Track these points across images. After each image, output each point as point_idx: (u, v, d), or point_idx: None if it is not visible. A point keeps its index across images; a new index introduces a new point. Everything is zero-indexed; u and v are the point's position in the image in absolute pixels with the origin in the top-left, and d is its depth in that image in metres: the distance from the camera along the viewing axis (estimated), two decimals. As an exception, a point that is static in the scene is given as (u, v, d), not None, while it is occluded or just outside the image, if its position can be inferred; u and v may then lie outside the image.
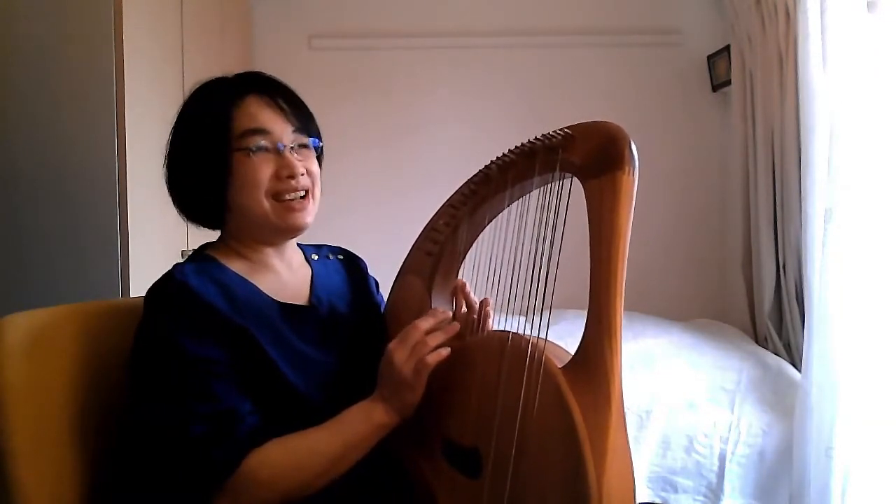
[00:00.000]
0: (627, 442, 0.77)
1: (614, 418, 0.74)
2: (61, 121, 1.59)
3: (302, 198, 0.96)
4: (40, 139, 1.60)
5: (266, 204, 0.94)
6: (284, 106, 0.96)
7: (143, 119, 1.68)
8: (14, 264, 1.60)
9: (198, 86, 1.00)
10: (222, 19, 2.35)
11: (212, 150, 0.93)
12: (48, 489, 0.89)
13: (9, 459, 0.85)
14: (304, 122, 0.98)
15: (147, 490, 0.89)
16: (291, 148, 0.95)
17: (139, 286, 1.61)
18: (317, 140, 1.00)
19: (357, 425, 0.88)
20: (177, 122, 0.99)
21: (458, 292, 0.99)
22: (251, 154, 0.92)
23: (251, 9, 2.73)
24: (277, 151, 0.94)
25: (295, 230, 0.98)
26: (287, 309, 0.97)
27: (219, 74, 1.01)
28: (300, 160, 0.96)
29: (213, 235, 1.06)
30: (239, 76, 0.99)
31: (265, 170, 0.93)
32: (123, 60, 1.60)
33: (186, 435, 0.82)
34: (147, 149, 1.69)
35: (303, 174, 0.95)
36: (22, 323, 0.91)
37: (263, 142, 0.93)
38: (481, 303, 0.97)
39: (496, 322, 0.97)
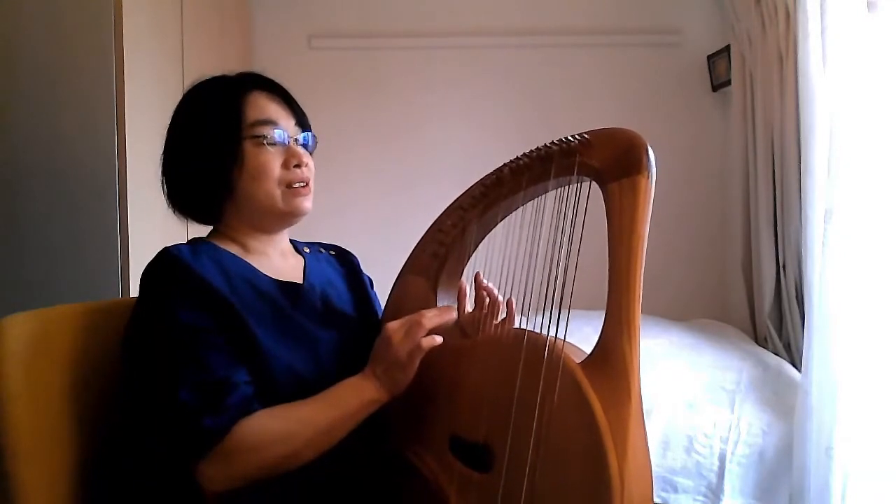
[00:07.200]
0: (646, 438, 0.79)
1: (634, 414, 0.76)
2: (61, 121, 1.59)
3: (304, 186, 1.01)
4: (41, 139, 1.59)
5: (277, 192, 0.99)
6: (286, 102, 1.04)
7: (143, 119, 1.68)
8: (14, 264, 1.60)
9: (196, 83, 1.04)
10: (222, 19, 2.35)
11: (223, 138, 0.96)
12: (47, 486, 0.89)
13: (8, 457, 0.86)
14: (303, 118, 1.05)
15: (138, 458, 0.90)
16: (295, 140, 1.02)
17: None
18: (313, 135, 1.06)
19: (348, 399, 0.89)
20: (178, 115, 1.02)
21: (461, 294, 1.00)
22: (265, 143, 0.97)
23: (251, 9, 2.73)
24: (283, 144, 1.00)
25: (299, 214, 1.02)
26: (284, 286, 0.99)
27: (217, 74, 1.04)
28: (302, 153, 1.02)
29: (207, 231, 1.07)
30: (239, 75, 1.04)
31: (276, 160, 0.98)
32: (123, 60, 1.60)
33: (177, 402, 0.83)
34: (147, 149, 1.69)
35: (306, 164, 1.01)
36: (22, 323, 0.92)
37: (274, 132, 0.99)
38: (508, 302, 0.98)
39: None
